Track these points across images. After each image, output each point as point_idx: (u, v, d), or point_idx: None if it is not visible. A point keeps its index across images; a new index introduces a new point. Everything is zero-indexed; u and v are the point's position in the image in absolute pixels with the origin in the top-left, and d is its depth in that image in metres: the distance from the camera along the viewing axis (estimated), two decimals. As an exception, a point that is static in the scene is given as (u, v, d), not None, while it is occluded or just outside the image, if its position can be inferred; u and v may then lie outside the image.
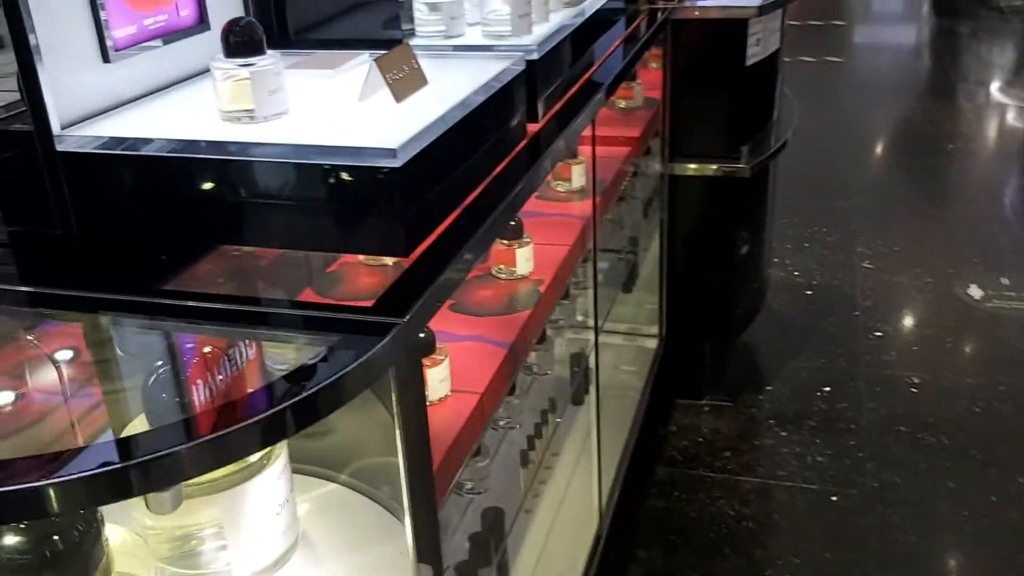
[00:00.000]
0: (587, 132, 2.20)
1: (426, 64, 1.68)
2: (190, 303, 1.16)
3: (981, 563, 2.73)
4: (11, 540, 1.14)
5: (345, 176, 1.21)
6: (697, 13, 3.00)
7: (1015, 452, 3.11)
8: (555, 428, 2.48)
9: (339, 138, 1.26)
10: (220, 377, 1.23)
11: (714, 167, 3.13)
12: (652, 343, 3.34)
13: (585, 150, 2.39)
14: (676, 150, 3.16)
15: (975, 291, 4.11)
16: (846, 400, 3.41)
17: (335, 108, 1.43)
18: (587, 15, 2.15)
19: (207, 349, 1.16)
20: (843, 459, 3.11)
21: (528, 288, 2.07)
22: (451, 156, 1.40)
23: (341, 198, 1.23)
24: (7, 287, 1.26)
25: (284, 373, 1.30)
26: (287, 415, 0.95)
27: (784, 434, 3.25)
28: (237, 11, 1.74)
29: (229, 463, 0.93)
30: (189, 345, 1.20)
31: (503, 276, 2.11)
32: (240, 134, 1.30)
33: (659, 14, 2.89)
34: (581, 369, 2.59)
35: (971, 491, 2.95)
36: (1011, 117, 6.59)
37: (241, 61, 1.31)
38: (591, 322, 2.56)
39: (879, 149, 6.18)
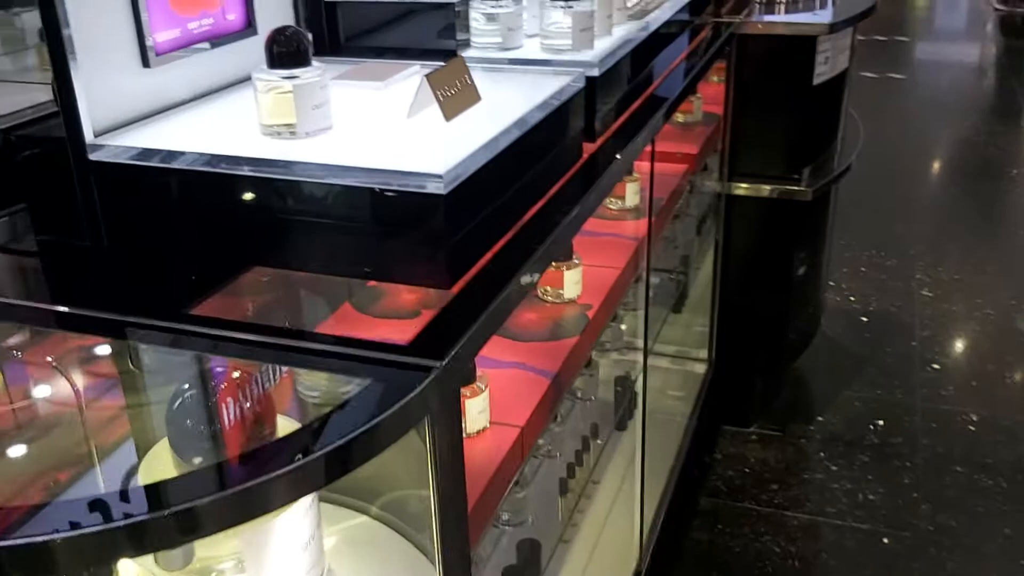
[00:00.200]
0: (645, 148, 2.10)
1: (480, 78, 1.60)
2: (217, 332, 1.09)
3: (1039, 617, 2.60)
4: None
5: (386, 201, 1.13)
6: (764, 28, 2.89)
7: (1078, 500, 2.97)
8: (598, 455, 2.39)
9: (383, 159, 1.18)
10: (244, 410, 1.16)
11: (774, 188, 3.01)
12: (700, 367, 3.23)
13: (641, 166, 2.29)
14: (735, 169, 3.05)
15: (1039, 325, 3.95)
16: (901, 435, 3.28)
17: (382, 124, 1.35)
18: (651, 29, 2.06)
19: (232, 393, 1.09)
20: (896, 498, 2.98)
21: (575, 313, 1.98)
22: (501, 180, 1.31)
23: (381, 223, 1.15)
24: (31, 304, 1.20)
25: (314, 404, 1.23)
26: (308, 470, 0.87)
27: (835, 468, 3.12)
28: (287, 16, 1.67)
29: (240, 522, 0.86)
30: (214, 379, 1.13)
31: (550, 299, 2.02)
32: (279, 150, 1.22)
33: (724, 28, 2.79)
34: (627, 393, 2.50)
35: (1030, 539, 2.82)
36: (1081, 143, 6.38)
37: (285, 73, 1.24)
38: (639, 343, 2.46)
39: (941, 171, 6.01)
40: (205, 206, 1.23)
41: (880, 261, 4.51)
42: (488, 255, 1.24)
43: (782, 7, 3.06)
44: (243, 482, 0.84)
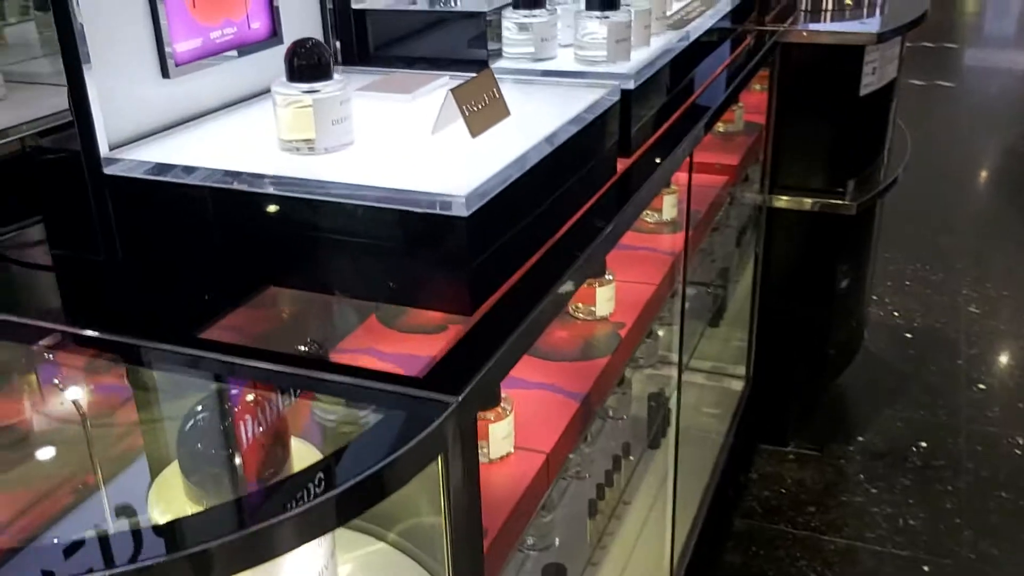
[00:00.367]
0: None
1: (511, 91, 1.55)
2: (228, 358, 1.04)
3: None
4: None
5: (405, 222, 1.08)
6: (809, 37, 2.81)
7: None
8: (629, 475, 2.33)
9: (403, 178, 1.13)
10: (258, 435, 1.12)
11: (817, 202, 2.93)
12: (737, 384, 3.15)
13: (680, 178, 2.23)
14: (777, 181, 2.97)
15: (1091, 346, 3.82)
16: (944, 458, 3.18)
17: (405, 140, 1.30)
18: (692, 39, 1.99)
19: (245, 416, 1.04)
20: (938, 523, 2.88)
21: (607, 332, 1.92)
22: (528, 199, 1.26)
23: (400, 246, 1.10)
24: (40, 323, 1.16)
25: (331, 427, 1.19)
26: (312, 514, 0.82)
27: (874, 491, 3.03)
28: (314, 25, 1.63)
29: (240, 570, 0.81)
30: (228, 401, 1.08)
31: (581, 316, 1.96)
32: (297, 167, 1.17)
33: (767, 36, 2.71)
34: (660, 410, 2.43)
35: (1079, 571, 2.71)
36: None
37: (305, 87, 1.19)
38: (674, 358, 2.39)
39: (989, 183, 5.86)
40: (219, 223, 1.19)
41: (925, 275, 4.40)
42: (513, 279, 1.18)
43: (828, 15, 2.98)
44: (242, 528, 0.80)
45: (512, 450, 1.53)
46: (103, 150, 1.23)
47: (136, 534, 0.88)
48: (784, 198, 2.96)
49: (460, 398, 0.94)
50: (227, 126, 1.37)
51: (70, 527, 1.03)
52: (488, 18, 1.67)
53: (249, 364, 1.04)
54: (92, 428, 1.19)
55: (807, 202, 2.94)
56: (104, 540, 0.90)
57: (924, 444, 3.24)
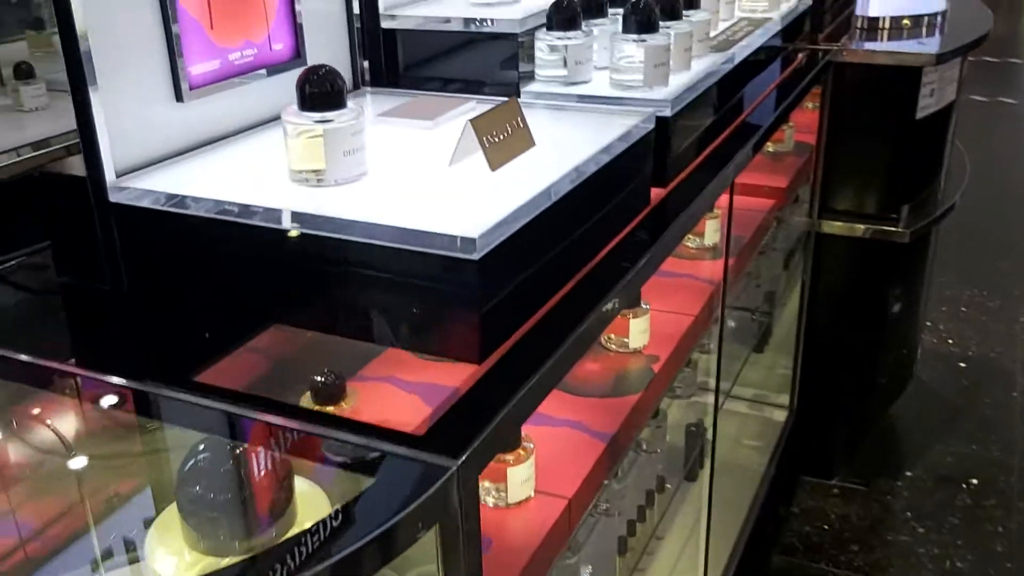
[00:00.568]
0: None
1: (540, 116, 1.49)
2: (226, 408, 0.98)
3: None
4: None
5: (413, 264, 1.02)
6: (864, 57, 2.70)
7: None
8: (663, 509, 2.24)
9: (412, 215, 1.06)
10: (260, 478, 1.07)
11: (868, 228, 2.82)
12: (780, 414, 3.04)
13: (722, 200, 2.13)
14: (826, 205, 2.86)
15: None
16: (995, 497, 3.04)
17: (422, 172, 1.23)
18: (736, 61, 1.90)
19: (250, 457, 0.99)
20: (987, 567, 2.76)
21: (640, 366, 1.84)
22: (548, 239, 1.19)
23: (405, 289, 1.04)
24: (37, 361, 1.12)
25: (339, 464, 1.13)
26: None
27: (922, 530, 2.90)
28: (341, 45, 1.58)
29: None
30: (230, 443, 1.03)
31: (613, 348, 1.88)
32: (304, 199, 1.12)
33: (820, 56, 2.61)
34: (698, 441, 2.34)
35: None
36: None
37: (317, 116, 1.14)
38: (713, 388, 2.30)
39: (1053, 206, 5.66)
40: (223, 256, 1.14)
41: (982, 301, 4.24)
42: (528, 324, 1.11)
43: (885, 34, 2.87)
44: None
45: (532, 494, 1.46)
46: (109, 177, 1.19)
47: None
48: (834, 223, 2.85)
49: (459, 462, 0.87)
50: (241, 153, 1.31)
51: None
52: (520, 39, 1.61)
53: (246, 414, 0.98)
54: (89, 469, 1.15)
55: (858, 228, 2.83)
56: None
57: (975, 481, 3.11)
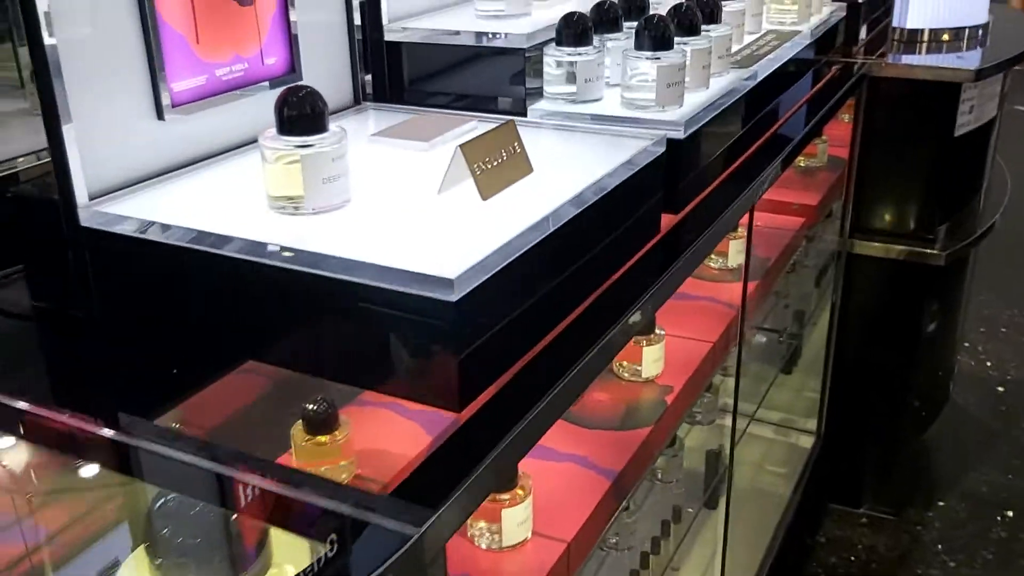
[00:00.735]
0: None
1: (544, 137, 1.41)
2: (194, 460, 0.92)
3: None
4: None
5: (385, 304, 0.94)
6: (900, 72, 2.59)
7: None
8: (680, 538, 2.15)
9: (390, 251, 0.99)
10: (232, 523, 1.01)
11: (903, 250, 2.70)
12: (807, 440, 2.94)
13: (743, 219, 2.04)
14: (859, 224, 2.75)
15: None
16: (1033, 530, 2.92)
17: (409, 200, 1.16)
18: (759, 78, 1.81)
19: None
20: (1022, 606, 2.65)
21: (653, 397, 1.76)
22: (541, 275, 1.11)
23: (379, 330, 0.97)
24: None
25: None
26: None
27: (953, 564, 2.79)
28: (341, 58, 1.51)
29: None
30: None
31: (625, 376, 1.80)
32: (279, 229, 1.05)
33: (854, 69, 2.50)
34: (719, 467, 2.25)
35: None
36: None
37: (296, 140, 1.07)
38: (733, 413, 2.21)
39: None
40: (193, 288, 1.07)
41: (1022, 322, 4.09)
42: (515, 368, 1.04)
43: (923, 47, 2.76)
44: None
45: (529, 535, 1.39)
46: (81, 199, 1.13)
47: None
48: (867, 244, 2.74)
49: (422, 530, 0.79)
50: (224, 175, 1.25)
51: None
52: (527, 55, 1.53)
53: (209, 467, 0.91)
54: (56, 513, 1.09)
55: (892, 249, 2.72)
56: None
57: (1010, 514, 2.98)
